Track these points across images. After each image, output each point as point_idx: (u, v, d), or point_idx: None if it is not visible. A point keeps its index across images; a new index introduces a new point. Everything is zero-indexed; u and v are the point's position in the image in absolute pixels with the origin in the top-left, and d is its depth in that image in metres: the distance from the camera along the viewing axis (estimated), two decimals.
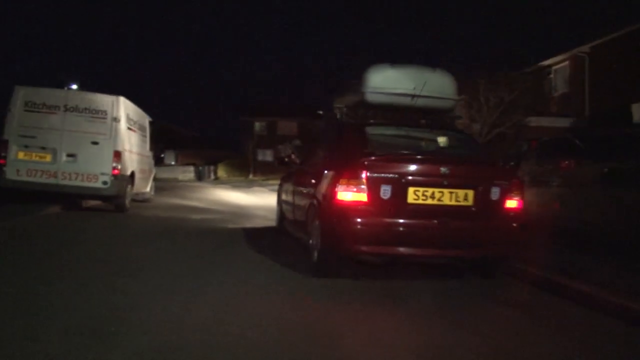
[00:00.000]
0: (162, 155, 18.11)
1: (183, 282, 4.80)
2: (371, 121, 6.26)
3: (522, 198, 5.29)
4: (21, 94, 9.79)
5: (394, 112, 6.40)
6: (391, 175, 4.90)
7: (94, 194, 10.16)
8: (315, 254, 5.37)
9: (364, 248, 4.95)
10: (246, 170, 50.18)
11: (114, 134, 9.93)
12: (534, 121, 20.18)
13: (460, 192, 5.01)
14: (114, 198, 10.30)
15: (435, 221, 4.93)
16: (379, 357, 3.22)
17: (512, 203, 5.19)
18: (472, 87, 19.59)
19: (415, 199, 4.93)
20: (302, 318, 3.93)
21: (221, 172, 51.13)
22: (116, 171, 9.86)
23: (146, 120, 12.95)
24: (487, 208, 5.08)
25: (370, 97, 6.23)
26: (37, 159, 9.69)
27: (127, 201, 10.71)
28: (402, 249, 4.99)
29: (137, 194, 12.25)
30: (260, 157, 52.72)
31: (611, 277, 4.90)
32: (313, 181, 5.88)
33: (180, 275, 5.06)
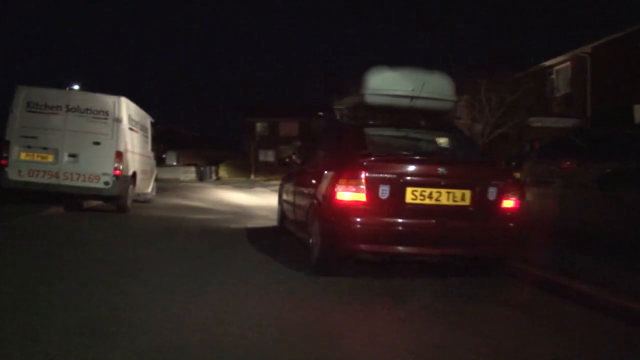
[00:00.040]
0: (164, 156, 18.15)
1: (183, 282, 4.81)
2: (370, 122, 6.31)
3: (519, 198, 5.36)
4: (23, 95, 9.82)
5: (393, 114, 6.42)
6: (389, 175, 4.98)
7: (95, 194, 10.18)
8: (316, 253, 5.43)
9: (363, 247, 5.03)
10: (248, 171, 50.21)
11: (115, 135, 9.95)
12: (536, 121, 20.18)
13: (458, 192, 5.08)
14: (116, 198, 10.32)
15: (433, 221, 5.01)
16: (379, 357, 3.22)
17: (508, 203, 5.25)
18: (474, 88, 19.59)
19: (413, 199, 5.01)
20: (302, 318, 3.93)
21: (222, 173, 51.17)
22: (118, 172, 9.87)
23: (148, 120, 12.97)
24: (484, 208, 5.14)
25: (370, 99, 6.28)
26: (39, 159, 9.72)
27: (129, 202, 10.72)
28: (400, 248, 5.07)
29: (138, 194, 12.27)
30: (261, 158, 52.77)
31: (611, 277, 4.90)
32: (313, 181, 5.94)
33: (181, 275, 5.07)
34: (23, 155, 9.69)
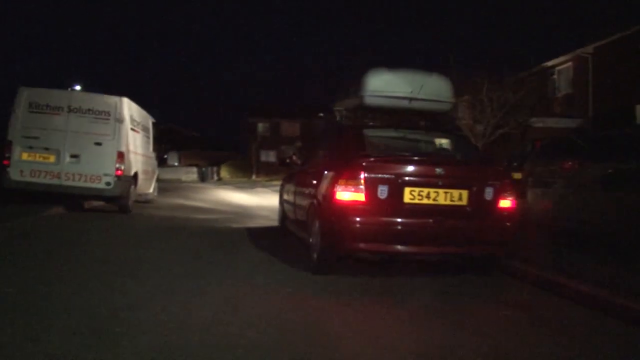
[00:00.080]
0: (165, 156, 18.16)
1: (183, 282, 4.81)
2: (369, 124, 6.35)
3: (515, 198, 5.44)
4: (25, 95, 9.83)
5: (392, 115, 6.47)
6: (388, 175, 5.07)
7: (97, 194, 10.19)
8: (316, 253, 5.49)
9: (362, 246, 5.12)
10: (249, 171, 50.26)
11: (117, 135, 9.96)
12: (538, 122, 20.16)
13: (455, 192, 5.17)
14: (117, 199, 10.32)
15: (431, 220, 5.10)
16: (379, 357, 3.23)
17: (505, 203, 5.33)
18: (474, 88, 19.57)
19: (411, 199, 5.09)
20: (302, 318, 3.94)
21: (224, 173, 51.22)
22: (119, 172, 9.88)
23: (149, 121, 12.99)
24: (480, 207, 5.23)
25: (369, 101, 6.33)
26: (41, 159, 9.73)
27: (131, 202, 10.73)
28: (399, 247, 5.16)
29: (140, 195, 12.28)
30: (263, 158, 52.78)
31: (611, 277, 4.89)
32: (313, 182, 5.99)
33: (181, 275, 5.08)
34: (25, 156, 9.71)
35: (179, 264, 5.69)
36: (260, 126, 55.13)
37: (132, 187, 10.77)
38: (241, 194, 22.30)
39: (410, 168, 5.19)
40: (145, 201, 13.24)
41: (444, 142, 6.33)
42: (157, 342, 3.18)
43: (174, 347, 3.11)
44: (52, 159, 9.74)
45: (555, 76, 23.91)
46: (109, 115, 9.97)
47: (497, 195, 5.28)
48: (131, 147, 10.52)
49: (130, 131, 10.47)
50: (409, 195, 5.08)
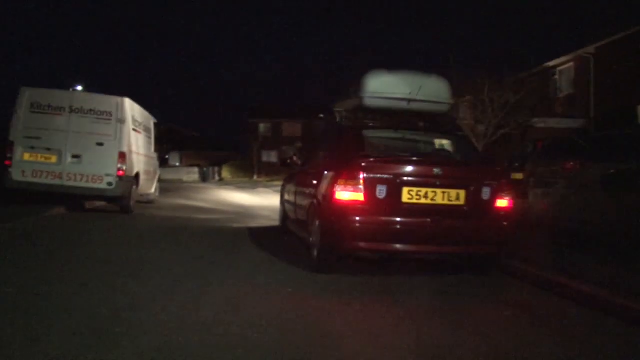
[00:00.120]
0: (167, 157, 18.17)
1: (184, 282, 4.82)
2: (369, 124, 6.37)
3: (513, 198, 5.50)
4: (27, 96, 9.85)
5: (392, 116, 6.50)
6: (387, 176, 5.13)
7: (99, 195, 10.20)
8: (316, 252, 5.54)
9: (361, 245, 5.18)
10: (250, 172, 50.26)
11: (119, 135, 9.96)
12: (539, 122, 20.14)
13: (453, 192, 5.23)
14: (119, 199, 10.33)
15: (429, 219, 5.16)
16: (379, 357, 3.23)
17: (502, 202, 5.38)
18: (475, 88, 19.56)
19: (409, 199, 5.15)
20: (303, 318, 3.95)
21: (225, 173, 51.24)
22: (121, 172, 9.89)
23: (151, 121, 13.00)
24: (478, 207, 5.28)
25: (368, 102, 6.35)
26: (43, 160, 9.75)
27: (132, 202, 10.73)
28: (397, 246, 5.22)
29: (142, 195, 12.29)
30: (264, 159, 52.77)
31: (611, 277, 4.89)
32: (314, 182, 6.04)
33: (182, 275, 5.09)
34: (27, 156, 9.73)
35: (180, 264, 5.71)
36: (262, 126, 55.12)
37: (134, 187, 10.78)
38: (242, 194, 22.32)
39: (409, 168, 5.25)
40: (146, 201, 13.26)
41: (444, 142, 6.36)
42: (157, 342, 3.19)
43: (174, 347, 3.12)
44: (53, 159, 9.75)
45: (556, 76, 23.88)
46: (111, 115, 9.98)
47: (495, 195, 5.33)
48: (133, 148, 10.53)
49: (132, 131, 10.47)
50: (407, 195, 5.14)
